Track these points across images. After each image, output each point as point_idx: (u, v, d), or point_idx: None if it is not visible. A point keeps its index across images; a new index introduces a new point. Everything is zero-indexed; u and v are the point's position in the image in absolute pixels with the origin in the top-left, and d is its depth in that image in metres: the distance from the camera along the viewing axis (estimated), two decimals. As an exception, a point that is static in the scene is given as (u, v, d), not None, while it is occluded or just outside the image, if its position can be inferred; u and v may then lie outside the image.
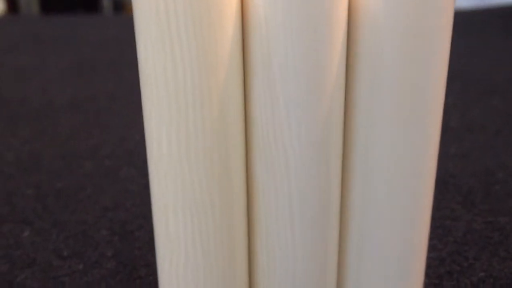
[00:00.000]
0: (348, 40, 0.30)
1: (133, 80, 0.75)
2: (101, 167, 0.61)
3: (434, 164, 0.32)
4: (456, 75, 0.88)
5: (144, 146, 0.33)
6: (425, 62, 0.29)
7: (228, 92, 0.29)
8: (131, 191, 0.56)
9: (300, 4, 0.27)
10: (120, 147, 0.66)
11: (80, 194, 0.56)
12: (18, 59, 1.04)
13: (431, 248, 0.46)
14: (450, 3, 0.29)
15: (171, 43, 0.27)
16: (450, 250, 0.46)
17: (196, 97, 0.28)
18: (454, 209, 0.51)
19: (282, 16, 0.27)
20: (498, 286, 0.41)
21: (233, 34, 0.28)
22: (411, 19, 0.28)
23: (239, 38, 0.29)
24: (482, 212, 0.51)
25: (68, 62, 1.03)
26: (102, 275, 0.44)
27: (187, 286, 0.32)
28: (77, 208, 0.53)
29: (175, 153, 0.29)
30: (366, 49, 0.29)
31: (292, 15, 0.27)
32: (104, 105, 0.81)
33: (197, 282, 0.32)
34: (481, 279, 0.42)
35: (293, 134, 0.29)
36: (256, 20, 0.28)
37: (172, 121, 0.29)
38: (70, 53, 1.08)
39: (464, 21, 1.17)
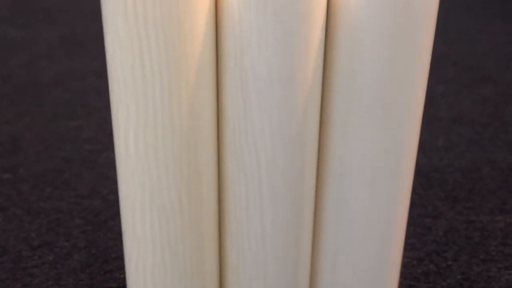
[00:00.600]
0: (326, 39, 0.29)
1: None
2: (81, 151, 0.60)
3: (411, 165, 0.31)
4: (450, 62, 0.87)
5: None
6: (405, 63, 0.28)
7: (199, 92, 0.28)
8: (109, 178, 0.55)
9: (274, 2, 0.26)
10: (102, 130, 0.65)
11: (57, 180, 0.55)
12: (6, 31, 1.02)
13: (410, 247, 0.45)
14: (433, 3, 0.27)
15: (139, 40, 0.26)
16: (429, 249, 0.45)
17: (164, 97, 0.27)
18: (436, 206, 0.51)
19: (255, 13, 0.26)
20: (474, 290, 0.41)
21: (205, 31, 0.27)
22: (391, 19, 0.27)
23: (212, 36, 0.28)
24: (465, 210, 0.50)
25: (58, 35, 1.01)
26: (72, 268, 0.43)
27: (155, 285, 0.31)
28: (53, 194, 0.52)
29: (142, 153, 0.28)
30: (345, 49, 0.28)
31: (266, 12, 0.26)
32: (90, 84, 0.80)
33: (165, 283, 0.31)
34: (458, 282, 0.41)
35: (265, 133, 0.29)
36: (229, 17, 0.27)
37: (139, 120, 0.28)
38: (61, 25, 1.06)
39: (461, 6, 1.15)
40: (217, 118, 0.30)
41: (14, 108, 0.71)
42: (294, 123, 0.29)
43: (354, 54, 0.28)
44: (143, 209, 0.30)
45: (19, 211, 0.50)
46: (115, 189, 0.54)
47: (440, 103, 0.72)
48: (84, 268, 0.43)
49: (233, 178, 0.30)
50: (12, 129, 0.65)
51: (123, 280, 0.41)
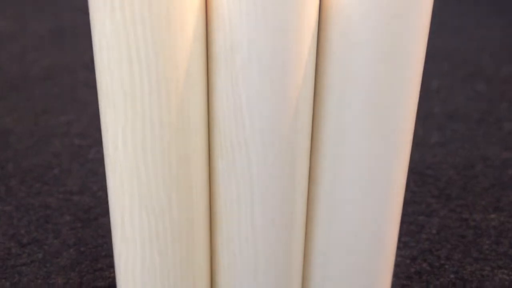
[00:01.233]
0: (318, 38, 0.28)
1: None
2: (70, 147, 0.60)
3: (405, 164, 0.31)
4: (444, 56, 0.86)
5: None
6: (398, 64, 0.27)
7: (189, 91, 0.27)
8: (99, 174, 0.54)
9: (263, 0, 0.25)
10: (92, 125, 0.64)
11: (46, 176, 0.54)
12: (-4, 24, 1.01)
13: (403, 245, 0.45)
14: (427, 2, 0.27)
15: (127, 39, 0.25)
16: (422, 248, 0.45)
17: (153, 96, 0.27)
18: (429, 204, 0.50)
19: (245, 11, 0.26)
20: (467, 290, 0.40)
21: (194, 30, 0.26)
22: (385, 17, 0.26)
23: (202, 34, 0.27)
24: (458, 208, 0.50)
25: (48, 27, 1.00)
26: (62, 266, 0.42)
27: (144, 286, 0.31)
28: (42, 190, 0.52)
29: (130, 153, 0.28)
30: (337, 48, 0.28)
31: (256, 11, 0.26)
32: (81, 77, 0.79)
33: (154, 282, 0.31)
34: (451, 281, 0.41)
35: (255, 133, 0.28)
36: (219, 16, 0.27)
37: (127, 119, 0.27)
38: (51, 18, 1.05)
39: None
40: (208, 117, 0.29)
41: (2, 102, 0.70)
42: (286, 122, 0.28)
43: (347, 54, 0.28)
44: (132, 209, 0.29)
45: (8, 207, 0.49)
46: (106, 185, 0.53)
47: (434, 99, 0.72)
48: (74, 266, 0.42)
49: (224, 177, 0.30)
50: (1, 124, 0.65)
51: (113, 279, 0.41)
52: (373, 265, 0.32)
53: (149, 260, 0.30)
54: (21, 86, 0.75)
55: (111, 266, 0.42)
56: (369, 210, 0.31)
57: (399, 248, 0.44)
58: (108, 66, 0.26)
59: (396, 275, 0.41)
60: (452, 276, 0.42)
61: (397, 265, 0.42)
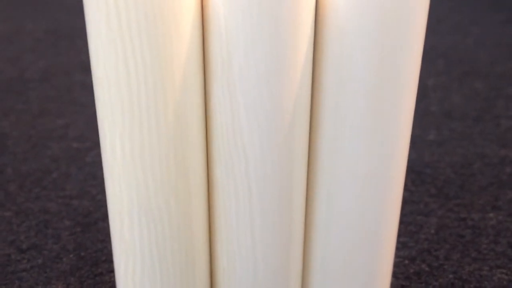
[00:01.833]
0: (315, 42, 0.28)
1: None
2: (69, 150, 0.60)
3: (403, 164, 0.31)
4: (440, 54, 0.86)
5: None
6: (395, 65, 0.27)
7: (186, 96, 0.27)
8: (98, 177, 0.54)
9: (261, 4, 0.25)
10: (90, 128, 0.64)
11: (44, 180, 0.54)
12: (-8, 26, 1.01)
13: (402, 245, 0.45)
14: (423, 2, 0.27)
15: (123, 45, 0.25)
16: (421, 248, 0.45)
17: (150, 102, 0.27)
18: (427, 203, 0.50)
19: (241, 16, 0.26)
20: (466, 290, 0.41)
21: (190, 35, 0.26)
22: (381, 20, 0.26)
23: (198, 39, 0.27)
24: (456, 207, 0.50)
25: (44, 29, 1.00)
26: (62, 271, 0.42)
27: (145, 291, 0.31)
28: (41, 195, 0.52)
29: (128, 158, 0.28)
30: (334, 51, 0.28)
31: (252, 15, 0.26)
32: (78, 79, 0.79)
33: (154, 287, 0.31)
34: (450, 281, 0.41)
35: (253, 137, 0.28)
36: (216, 20, 0.27)
37: (125, 125, 0.27)
38: (46, 19, 1.05)
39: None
40: (205, 122, 0.29)
41: None
42: (283, 126, 0.28)
43: (343, 56, 0.28)
44: (131, 214, 0.29)
45: (7, 212, 0.49)
46: (105, 189, 0.53)
47: (431, 97, 0.72)
48: (74, 272, 0.42)
49: (222, 182, 0.30)
50: (-1, 127, 0.65)
51: (113, 284, 0.41)
52: (372, 266, 0.33)
53: (149, 265, 0.30)
54: (17, 89, 0.75)
55: (111, 271, 0.42)
56: (368, 211, 0.31)
57: (397, 248, 0.44)
58: (105, 72, 0.26)
59: (395, 276, 0.42)
60: (451, 276, 0.42)
61: (395, 265, 0.43)
